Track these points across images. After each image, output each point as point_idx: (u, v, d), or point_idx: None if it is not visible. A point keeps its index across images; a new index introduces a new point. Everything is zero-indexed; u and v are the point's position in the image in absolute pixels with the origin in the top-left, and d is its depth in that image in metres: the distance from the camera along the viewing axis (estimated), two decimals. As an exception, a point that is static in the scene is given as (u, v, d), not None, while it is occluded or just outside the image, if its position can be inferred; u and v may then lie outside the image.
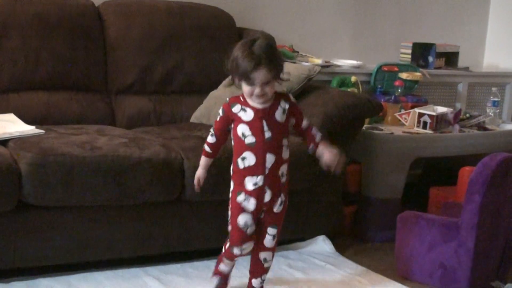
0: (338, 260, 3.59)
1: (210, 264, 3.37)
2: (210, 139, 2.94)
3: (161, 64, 3.95)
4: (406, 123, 4.21)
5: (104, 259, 3.25)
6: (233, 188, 2.91)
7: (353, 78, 4.39)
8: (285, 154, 2.89)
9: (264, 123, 2.83)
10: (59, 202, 3.04)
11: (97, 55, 3.83)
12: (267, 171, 2.84)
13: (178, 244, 3.37)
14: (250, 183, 2.85)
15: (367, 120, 4.04)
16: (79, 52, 3.76)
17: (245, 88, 2.80)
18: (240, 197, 2.87)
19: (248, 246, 2.92)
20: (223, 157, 3.27)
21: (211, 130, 2.93)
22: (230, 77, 2.90)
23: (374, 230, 3.97)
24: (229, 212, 2.93)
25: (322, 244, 3.69)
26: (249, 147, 2.83)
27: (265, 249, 2.97)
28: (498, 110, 4.65)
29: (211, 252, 3.47)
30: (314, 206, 3.68)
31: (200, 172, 3.00)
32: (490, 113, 4.57)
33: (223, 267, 3.04)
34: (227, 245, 2.98)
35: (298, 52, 4.49)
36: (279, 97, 2.88)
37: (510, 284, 3.44)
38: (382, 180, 3.96)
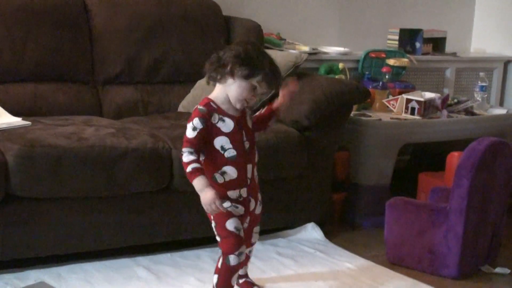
0: (328, 247, 3.59)
1: (200, 253, 3.39)
2: (192, 157, 2.59)
3: (147, 53, 3.93)
4: (394, 109, 4.21)
5: (93, 250, 3.24)
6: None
7: (340, 65, 4.38)
8: (257, 157, 2.77)
9: (244, 134, 2.68)
10: (47, 193, 3.03)
11: (83, 45, 3.81)
12: (249, 182, 2.71)
13: (167, 233, 3.37)
14: (234, 195, 2.69)
15: (355, 107, 4.04)
16: (65, 42, 3.74)
17: (242, 89, 2.60)
18: (226, 204, 2.67)
19: (244, 250, 2.73)
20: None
21: (187, 149, 2.59)
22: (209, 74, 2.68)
23: (363, 216, 3.97)
24: (213, 224, 2.75)
25: (311, 231, 3.70)
26: (230, 161, 2.64)
27: (252, 245, 2.93)
28: (485, 95, 4.65)
29: (201, 241, 3.48)
30: (303, 194, 3.68)
31: (211, 193, 2.58)
32: (478, 98, 4.57)
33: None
34: (219, 262, 2.75)
35: (285, 39, 4.49)
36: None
37: (500, 268, 3.45)
38: (371, 166, 3.96)
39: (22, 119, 3.29)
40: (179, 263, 3.28)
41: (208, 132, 2.61)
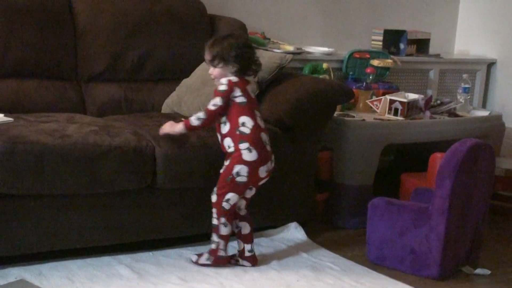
0: (310, 246, 3.60)
1: (182, 252, 3.39)
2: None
3: (131, 51, 3.92)
4: (377, 110, 4.22)
5: (75, 247, 3.23)
6: None
7: (324, 65, 4.39)
8: (224, 129, 3.21)
9: None
10: (29, 190, 3.01)
11: (67, 42, 3.79)
12: (222, 148, 3.24)
13: (149, 232, 3.36)
14: None
15: (338, 107, 4.05)
16: (48, 39, 3.73)
17: None
18: None
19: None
20: (196, 146, 3.29)
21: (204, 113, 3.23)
22: None
23: (346, 216, 3.98)
24: None
25: (294, 231, 3.70)
26: None
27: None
28: (469, 97, 4.67)
29: (183, 240, 3.47)
30: (286, 193, 3.69)
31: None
32: (461, 100, 4.59)
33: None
34: None
35: (269, 39, 4.49)
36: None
37: (480, 269, 3.47)
38: (354, 167, 3.97)
39: (5, 116, 3.27)
40: (161, 262, 3.28)
41: None
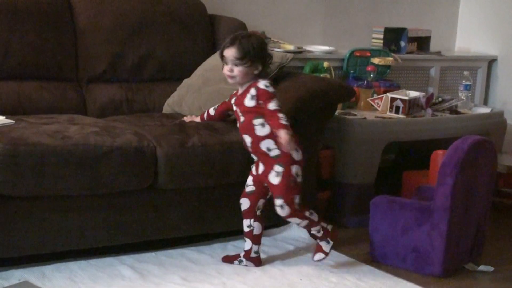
0: (313, 245, 3.59)
1: (184, 252, 3.39)
2: (212, 111, 3.50)
3: (132, 52, 3.92)
4: (378, 108, 4.22)
5: (78, 248, 3.23)
6: None
7: (325, 64, 4.39)
8: (261, 131, 3.17)
9: (238, 110, 3.21)
10: (31, 192, 3.01)
11: (67, 43, 3.79)
12: (250, 149, 3.23)
13: (152, 232, 3.36)
14: (253, 157, 3.27)
15: (340, 106, 4.05)
16: (49, 40, 3.73)
17: (223, 69, 3.20)
18: (253, 163, 3.29)
19: (244, 203, 3.28)
20: (197, 146, 3.29)
21: (217, 105, 3.49)
22: None
23: (348, 215, 3.98)
24: None
25: (296, 230, 3.69)
26: (239, 129, 3.26)
27: (284, 217, 3.22)
28: (470, 94, 4.67)
29: (185, 240, 3.47)
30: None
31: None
32: (462, 97, 4.59)
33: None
34: None
35: (270, 38, 4.49)
36: (251, 85, 3.18)
37: (483, 266, 3.47)
38: (355, 165, 3.97)
39: (6, 118, 3.27)
40: (163, 262, 3.28)
41: (229, 109, 3.39)
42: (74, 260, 3.20)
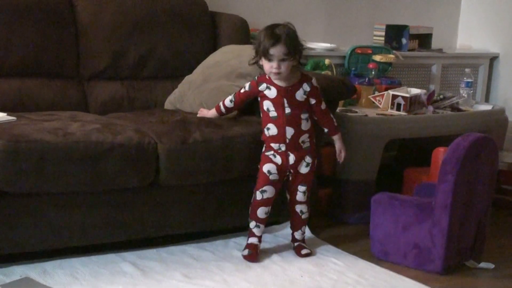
0: (314, 242, 3.60)
1: (186, 248, 3.39)
2: (229, 103, 3.48)
3: (133, 49, 3.93)
4: (380, 105, 4.22)
5: (79, 245, 3.23)
6: (264, 148, 3.36)
7: (327, 61, 4.39)
8: (305, 126, 3.33)
9: (285, 101, 3.28)
10: (32, 189, 3.02)
11: (68, 40, 3.79)
12: (287, 141, 3.31)
13: (153, 229, 3.36)
14: (275, 147, 3.32)
15: (341, 103, 4.05)
16: (50, 38, 3.73)
17: (265, 65, 3.24)
18: (269, 153, 3.34)
19: (269, 190, 3.32)
20: (198, 142, 3.29)
21: (232, 96, 3.46)
22: (254, 56, 3.30)
23: (349, 212, 3.98)
24: (259, 167, 3.35)
25: (297, 227, 3.70)
26: (273, 120, 3.30)
27: (299, 203, 3.42)
28: (471, 91, 4.67)
29: (187, 236, 3.48)
30: (289, 189, 3.69)
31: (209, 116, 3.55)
32: (463, 94, 4.59)
33: (251, 238, 3.38)
34: (252, 199, 3.36)
35: (271, 35, 4.48)
36: (303, 79, 3.32)
37: (484, 263, 3.47)
38: (357, 162, 3.97)
39: (7, 115, 3.27)
40: (165, 259, 3.28)
41: (250, 95, 3.40)
42: (76, 257, 3.21)
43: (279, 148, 3.32)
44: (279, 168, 3.33)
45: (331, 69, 4.38)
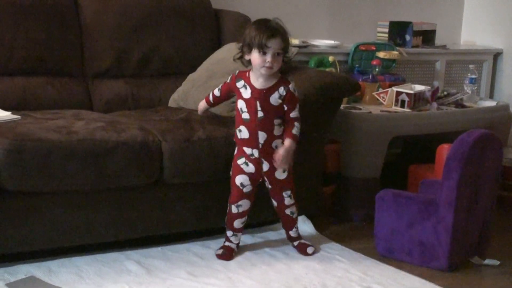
0: (318, 239, 3.60)
1: (190, 247, 3.39)
2: (216, 92, 3.35)
3: (137, 47, 3.93)
4: (384, 102, 4.22)
5: (84, 244, 3.24)
6: (236, 152, 3.24)
7: (330, 58, 4.39)
8: (278, 131, 3.19)
9: (258, 104, 3.15)
10: (37, 187, 3.02)
11: (72, 39, 3.80)
12: (260, 146, 3.18)
13: (157, 227, 3.37)
14: (247, 152, 3.20)
15: (345, 100, 4.04)
16: (54, 36, 3.73)
17: (256, 58, 3.09)
18: (240, 161, 3.22)
19: (244, 204, 3.26)
20: (202, 139, 3.29)
21: (219, 86, 3.34)
22: (239, 51, 3.20)
23: (354, 209, 3.98)
24: (230, 173, 3.26)
25: (302, 224, 3.69)
26: (245, 122, 3.18)
27: (288, 206, 3.37)
28: (475, 87, 4.66)
29: (191, 235, 3.48)
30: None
31: (201, 110, 3.46)
32: (467, 91, 4.58)
33: (228, 242, 3.34)
34: (227, 210, 3.30)
35: (275, 32, 4.47)
36: (281, 82, 3.18)
37: (489, 259, 3.47)
38: (361, 159, 3.96)
39: (12, 113, 3.28)
40: (169, 257, 3.29)
41: (230, 88, 3.27)
42: (81, 255, 3.21)
43: (252, 154, 3.21)
44: (252, 177, 3.25)
45: (335, 66, 4.38)
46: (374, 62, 4.47)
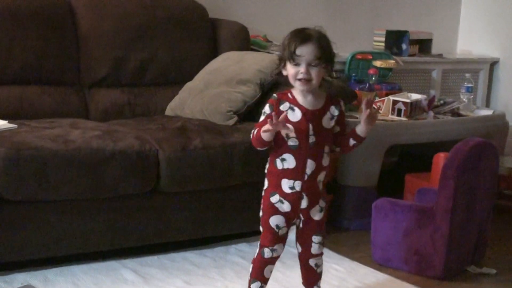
0: None
1: (187, 255, 3.39)
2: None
3: (134, 56, 3.93)
4: (380, 111, 4.22)
5: (80, 252, 3.24)
6: (267, 187, 2.73)
7: (327, 67, 4.38)
8: (325, 161, 2.72)
9: (310, 127, 2.65)
10: (33, 196, 3.02)
11: (69, 48, 3.80)
12: (306, 177, 2.68)
13: (154, 236, 3.37)
14: (286, 185, 2.68)
15: (341, 109, 4.04)
16: (51, 45, 3.74)
17: (290, 70, 2.62)
18: (274, 198, 2.71)
19: (279, 248, 2.77)
20: (199, 149, 3.30)
21: (254, 131, 2.67)
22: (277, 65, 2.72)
23: (350, 218, 3.98)
24: (261, 212, 2.76)
25: (298, 233, 3.70)
26: (291, 150, 2.66)
27: (314, 256, 2.84)
28: (472, 96, 4.67)
29: (188, 243, 3.48)
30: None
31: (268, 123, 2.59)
32: (464, 99, 4.59)
33: (260, 274, 2.80)
34: (256, 252, 2.80)
35: (271, 42, 4.49)
36: (330, 102, 2.70)
37: (486, 268, 3.47)
38: (358, 168, 3.97)
39: (8, 122, 3.28)
40: (166, 266, 3.29)
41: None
42: (77, 264, 3.21)
43: (293, 187, 2.68)
44: (288, 217, 2.73)
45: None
46: (371, 71, 4.48)
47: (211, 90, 3.73)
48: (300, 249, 2.84)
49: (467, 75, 4.73)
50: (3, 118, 3.35)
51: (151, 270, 3.23)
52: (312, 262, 2.85)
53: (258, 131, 2.63)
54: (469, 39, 5.48)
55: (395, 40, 4.96)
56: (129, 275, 3.16)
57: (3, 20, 3.62)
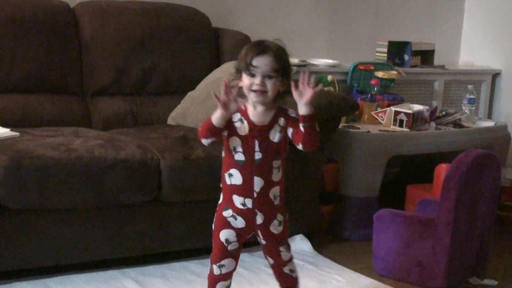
0: (316, 259, 3.59)
1: (188, 265, 3.39)
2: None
3: (136, 65, 3.94)
4: (382, 121, 4.22)
5: (81, 261, 3.23)
6: (221, 202, 2.70)
7: (329, 77, 4.39)
8: (276, 177, 2.64)
9: (256, 143, 2.60)
10: (35, 204, 3.02)
11: (72, 56, 3.81)
12: (255, 194, 2.62)
13: (155, 245, 3.36)
14: (238, 202, 2.64)
15: (343, 119, 4.05)
16: (54, 54, 3.75)
17: (245, 81, 2.56)
18: (227, 213, 2.66)
19: (228, 264, 2.70)
20: (200, 158, 3.29)
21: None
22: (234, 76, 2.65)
23: (352, 228, 3.98)
24: (213, 226, 2.74)
25: (300, 243, 3.70)
26: (237, 165, 2.61)
27: (286, 262, 2.80)
28: (474, 108, 4.67)
29: (189, 253, 3.47)
30: (291, 206, 3.64)
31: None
32: (466, 111, 4.59)
33: None
34: (209, 271, 2.78)
35: (274, 51, 4.49)
36: (278, 114, 2.62)
37: (488, 279, 3.46)
38: (359, 178, 3.97)
39: (11, 130, 3.28)
40: (167, 275, 3.28)
41: (227, 126, 2.61)
42: (78, 273, 3.20)
43: (244, 204, 2.62)
44: (240, 233, 2.68)
45: (334, 85, 4.38)
46: (373, 82, 4.48)
47: (213, 100, 3.72)
48: (271, 261, 2.80)
49: (469, 86, 4.74)
50: (5, 126, 3.35)
51: (152, 279, 3.22)
52: (286, 269, 2.80)
53: (209, 118, 2.61)
54: (472, 51, 5.48)
55: (397, 51, 4.96)
56: (130, 285, 3.15)
57: (6, 29, 3.63)
